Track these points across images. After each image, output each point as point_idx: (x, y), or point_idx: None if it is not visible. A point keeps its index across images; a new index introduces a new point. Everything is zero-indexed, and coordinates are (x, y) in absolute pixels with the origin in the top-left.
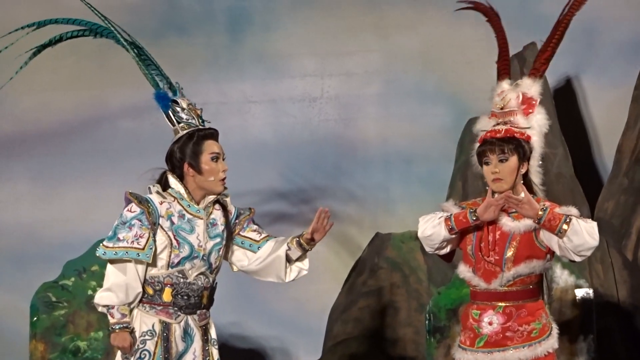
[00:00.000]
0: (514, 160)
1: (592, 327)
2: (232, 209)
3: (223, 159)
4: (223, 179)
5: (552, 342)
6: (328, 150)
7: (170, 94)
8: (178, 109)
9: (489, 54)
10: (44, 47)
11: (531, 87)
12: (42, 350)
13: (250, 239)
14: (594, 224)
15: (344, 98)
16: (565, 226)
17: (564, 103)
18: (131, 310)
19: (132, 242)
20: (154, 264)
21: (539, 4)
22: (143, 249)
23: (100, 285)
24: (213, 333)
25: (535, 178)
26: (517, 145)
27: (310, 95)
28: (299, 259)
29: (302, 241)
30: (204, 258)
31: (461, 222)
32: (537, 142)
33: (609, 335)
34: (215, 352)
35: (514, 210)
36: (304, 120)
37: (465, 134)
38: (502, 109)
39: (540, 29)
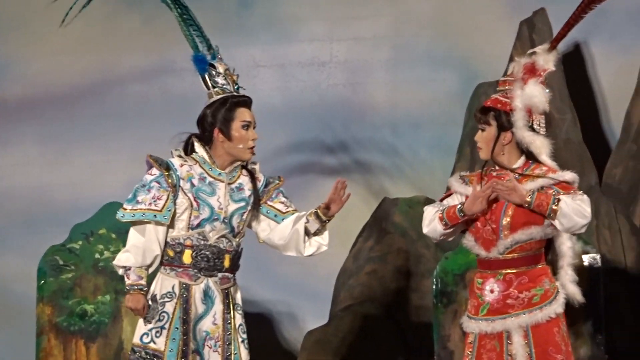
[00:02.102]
0: (490, 130)
1: (599, 293)
2: (260, 177)
3: (254, 128)
4: (252, 148)
5: (555, 307)
6: (336, 115)
7: (208, 57)
8: (214, 73)
9: (499, 19)
10: None
11: (540, 57)
12: (49, 313)
13: (276, 209)
14: (583, 200)
15: (353, 63)
16: (554, 207)
17: (573, 69)
18: (148, 273)
19: (150, 204)
20: (174, 225)
21: None
22: (161, 210)
23: (108, 249)
24: (238, 298)
25: (537, 148)
26: (496, 115)
27: (319, 60)
28: (318, 232)
29: (319, 212)
30: (225, 221)
31: (452, 217)
32: (519, 114)
33: (617, 301)
34: (238, 317)
35: (510, 177)
36: (312, 84)
37: (474, 99)
38: (508, 76)
39: None
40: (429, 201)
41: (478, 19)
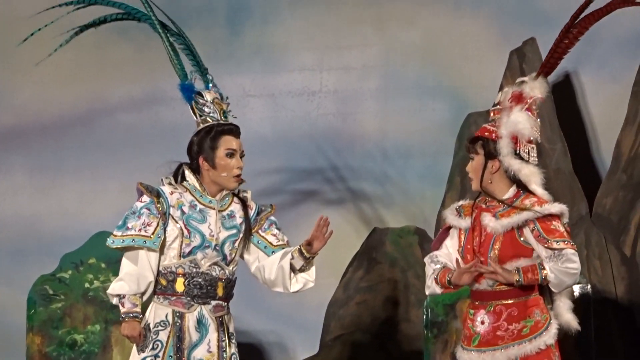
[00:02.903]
0: (478, 159)
1: (590, 324)
2: (252, 205)
3: (241, 156)
4: (237, 176)
5: (545, 339)
6: (326, 144)
7: (195, 87)
8: (202, 101)
9: (488, 48)
10: (87, 27)
11: (527, 85)
12: (38, 343)
13: (268, 241)
14: (568, 259)
15: (343, 92)
16: (544, 273)
17: (563, 98)
18: (143, 301)
19: (140, 230)
20: (166, 253)
21: None
22: (150, 237)
23: (97, 279)
24: (231, 327)
25: (526, 177)
26: (483, 144)
27: (309, 89)
28: (304, 269)
29: (302, 249)
30: (217, 248)
31: (445, 285)
32: (504, 142)
33: (607, 332)
34: (232, 347)
35: (500, 209)
36: (302, 114)
37: (464, 129)
38: (495, 106)
39: (539, 24)
40: (420, 231)
41: (468, 48)
